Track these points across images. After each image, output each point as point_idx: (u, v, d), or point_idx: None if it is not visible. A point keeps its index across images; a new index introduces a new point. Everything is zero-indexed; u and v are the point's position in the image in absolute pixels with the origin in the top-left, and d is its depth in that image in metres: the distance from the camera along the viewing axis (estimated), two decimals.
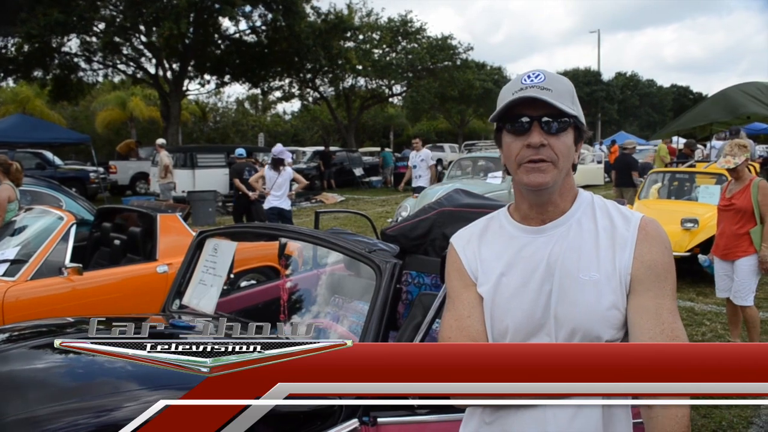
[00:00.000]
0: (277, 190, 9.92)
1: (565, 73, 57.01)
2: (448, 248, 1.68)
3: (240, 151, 12.94)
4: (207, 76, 28.20)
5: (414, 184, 13.23)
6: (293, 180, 10.45)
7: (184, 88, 26.72)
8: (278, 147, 10.53)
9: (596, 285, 1.45)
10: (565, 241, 1.51)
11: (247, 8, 23.91)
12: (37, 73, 24.05)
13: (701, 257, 6.06)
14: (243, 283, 6.44)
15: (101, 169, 21.95)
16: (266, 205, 10.11)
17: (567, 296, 1.47)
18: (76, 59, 24.73)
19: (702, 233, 7.83)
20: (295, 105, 51.09)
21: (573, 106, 1.48)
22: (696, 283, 7.92)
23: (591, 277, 1.46)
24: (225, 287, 3.26)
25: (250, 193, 11.29)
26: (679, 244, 7.90)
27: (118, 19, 22.07)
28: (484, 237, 1.63)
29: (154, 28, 21.94)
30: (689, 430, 1.37)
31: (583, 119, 1.52)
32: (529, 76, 1.49)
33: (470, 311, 1.56)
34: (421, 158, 13.25)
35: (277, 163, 9.99)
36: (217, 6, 22.09)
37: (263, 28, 25.65)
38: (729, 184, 5.66)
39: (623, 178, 12.51)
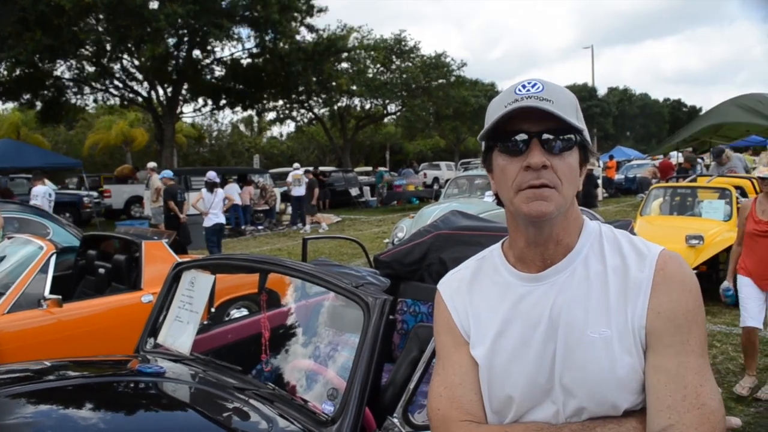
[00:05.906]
0: (215, 208, 11.89)
1: None
2: (435, 296, 1.43)
3: (168, 172, 13.66)
4: (201, 100, 28.09)
5: None
6: (225, 198, 12.70)
7: (178, 111, 26.57)
8: (212, 173, 12.55)
9: (608, 344, 1.19)
10: (569, 289, 1.24)
11: (236, 29, 23.78)
12: (27, 96, 23.84)
13: (724, 285, 5.31)
14: (234, 312, 6.18)
15: (94, 194, 21.80)
16: (208, 223, 11.92)
17: (574, 358, 1.20)
18: (67, 83, 24.57)
19: (708, 250, 7.56)
20: (290, 126, 51.13)
21: (578, 121, 1.21)
22: (703, 302, 7.66)
23: (601, 333, 1.19)
24: (205, 323, 3.02)
25: (181, 216, 12.61)
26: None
27: (106, 41, 21.98)
28: (475, 283, 1.37)
29: (142, 47, 21.90)
30: None
31: (588, 136, 1.26)
32: (524, 86, 1.22)
33: (462, 377, 1.31)
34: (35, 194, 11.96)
35: (212, 186, 12.00)
36: (204, 28, 21.98)
37: (255, 50, 25.55)
38: (756, 202, 4.95)
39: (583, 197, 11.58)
